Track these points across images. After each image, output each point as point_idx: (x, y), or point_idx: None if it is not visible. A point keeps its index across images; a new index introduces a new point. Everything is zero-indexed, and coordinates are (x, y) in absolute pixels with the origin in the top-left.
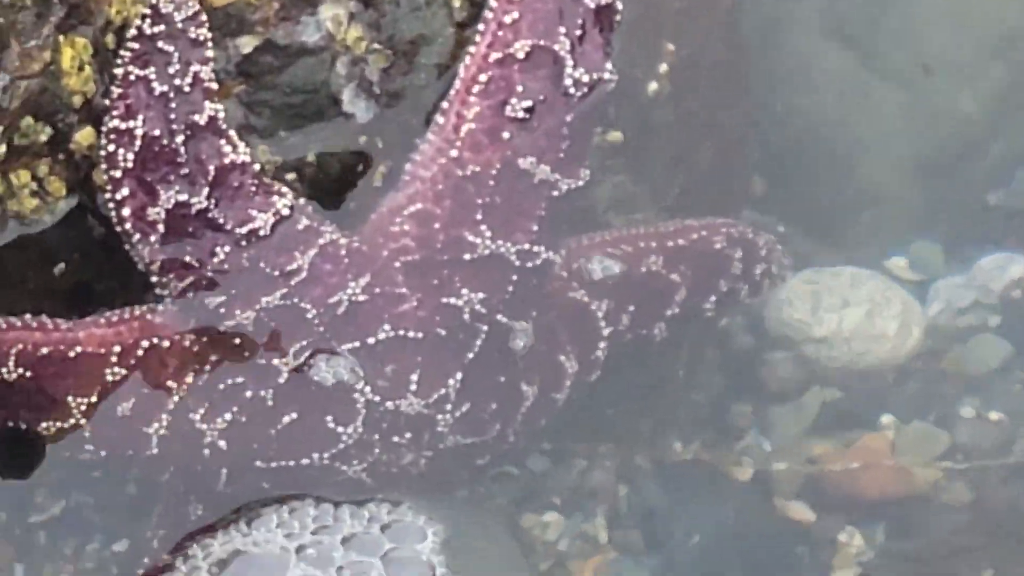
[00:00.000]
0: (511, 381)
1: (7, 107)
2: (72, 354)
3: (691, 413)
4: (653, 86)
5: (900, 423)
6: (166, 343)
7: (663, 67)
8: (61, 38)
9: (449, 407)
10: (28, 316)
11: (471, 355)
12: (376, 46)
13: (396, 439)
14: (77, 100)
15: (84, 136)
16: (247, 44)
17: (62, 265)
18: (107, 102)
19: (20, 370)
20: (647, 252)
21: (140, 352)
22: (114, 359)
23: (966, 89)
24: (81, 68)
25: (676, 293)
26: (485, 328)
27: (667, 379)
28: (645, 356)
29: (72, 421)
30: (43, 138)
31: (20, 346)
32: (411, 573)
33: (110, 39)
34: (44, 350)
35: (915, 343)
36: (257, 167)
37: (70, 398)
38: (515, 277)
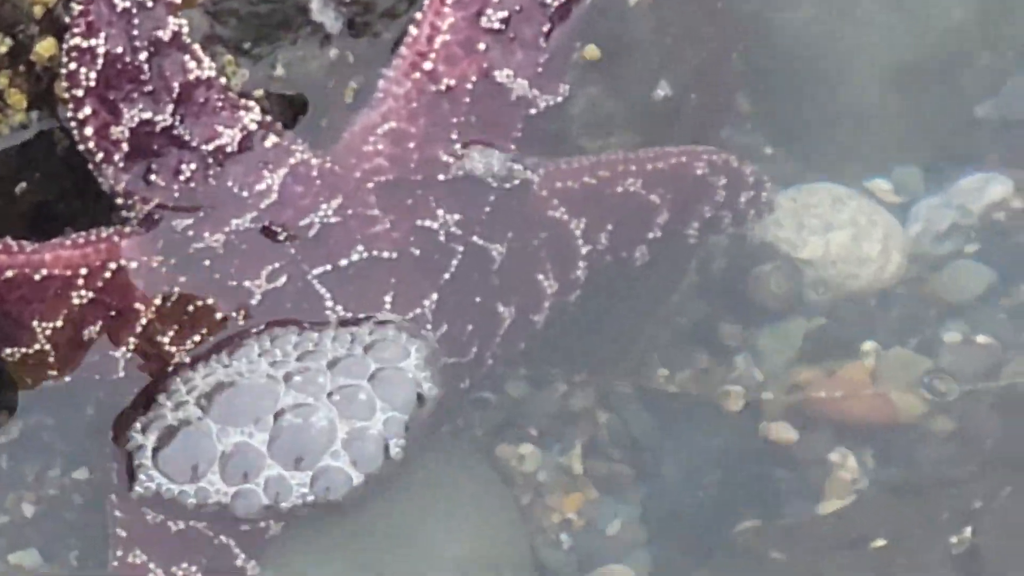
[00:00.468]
0: (488, 302)
1: None
2: (37, 277)
3: (676, 337)
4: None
5: (881, 349)
6: (134, 264)
7: None
8: None
9: (428, 327)
10: None
11: (447, 276)
12: None
13: None
14: (38, 10)
15: (45, 47)
16: None
17: (23, 184)
18: (68, 19)
19: None
20: (625, 175)
21: (107, 274)
22: (80, 282)
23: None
24: None
25: (657, 215)
26: (461, 249)
27: (650, 304)
28: (627, 280)
29: (37, 347)
30: (2, 49)
31: None
32: (399, 392)
33: None
34: (8, 273)
35: (897, 267)
36: (223, 81)
37: (35, 323)
38: (492, 198)
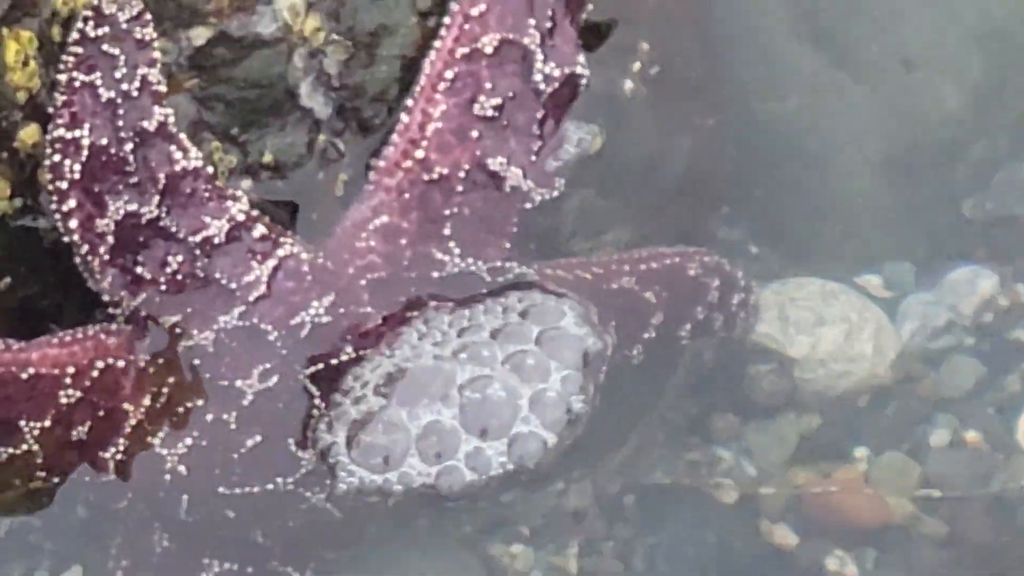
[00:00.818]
0: None
1: None
2: (24, 376)
3: (668, 432)
4: (628, 85)
5: (873, 455)
6: (121, 363)
7: (636, 66)
8: (5, 31)
9: None
10: None
11: None
12: (335, 37)
13: None
14: (21, 96)
15: (28, 134)
16: (200, 36)
17: (7, 279)
18: (51, 109)
19: None
20: (619, 274)
21: (95, 373)
22: (68, 380)
23: (947, 86)
24: (26, 63)
25: (652, 315)
26: None
27: (642, 402)
28: (620, 380)
29: (25, 447)
30: None
31: None
32: (566, 350)
33: (56, 31)
34: None
35: (890, 365)
36: (211, 170)
37: (22, 422)
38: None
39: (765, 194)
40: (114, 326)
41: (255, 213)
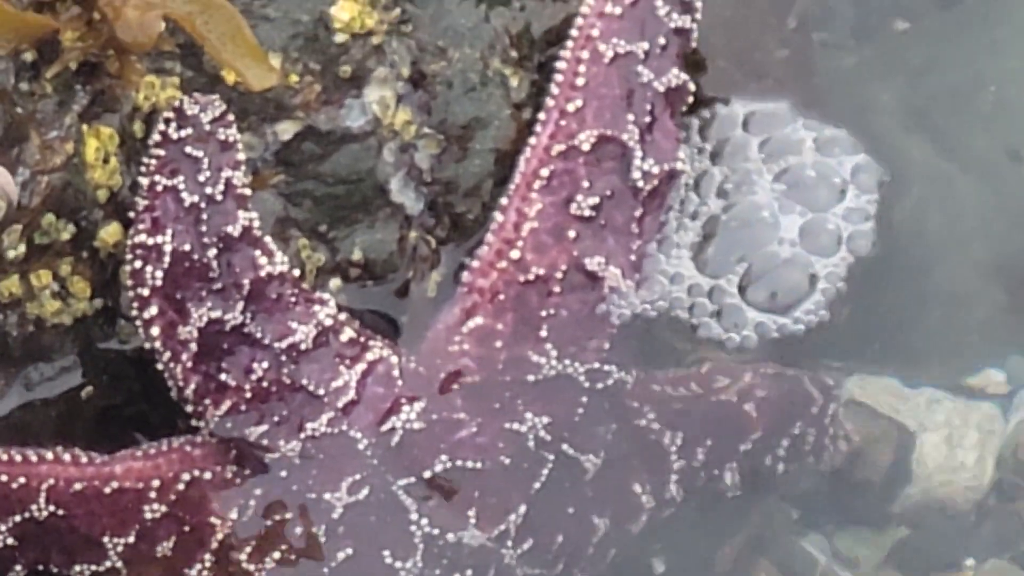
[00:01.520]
0: (582, 513)
1: (28, 204)
2: (108, 490)
3: (763, 547)
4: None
5: (977, 563)
6: (208, 475)
7: None
8: (85, 128)
9: (511, 542)
10: (59, 449)
11: (537, 485)
12: (427, 130)
13: (457, 575)
14: (102, 194)
15: (110, 233)
16: (287, 130)
17: (89, 388)
18: (132, 213)
19: (51, 507)
20: (720, 387)
21: (180, 486)
22: (153, 495)
23: None
24: (106, 160)
25: (751, 429)
26: (551, 457)
27: (733, 526)
28: (715, 506)
29: (108, 564)
30: (66, 236)
31: (51, 481)
32: None
33: (138, 127)
34: (77, 486)
35: (992, 472)
36: (296, 273)
37: (106, 538)
38: (584, 399)
39: (869, 296)
40: (199, 437)
41: (343, 316)
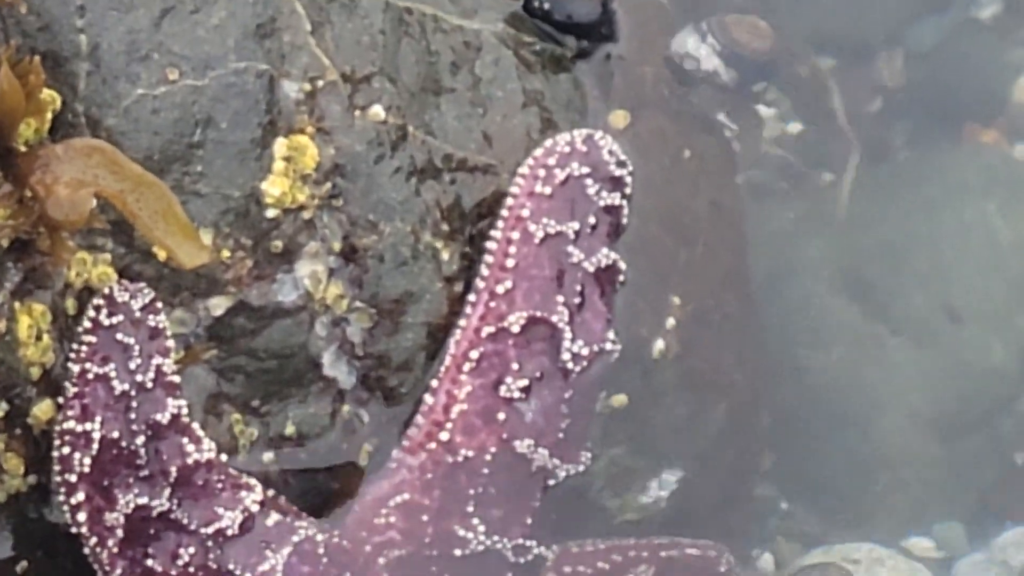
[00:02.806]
0: None
1: None
2: None
3: None
4: (659, 345)
5: None
6: None
7: (670, 322)
8: (17, 305)
9: None
10: None
11: None
12: (358, 304)
13: None
14: (35, 372)
15: (43, 410)
16: (219, 306)
17: (24, 563)
18: (61, 400)
19: None
20: (638, 560)
21: None
22: None
23: (994, 340)
24: (39, 337)
25: None
26: None
27: None
28: None
29: None
30: None
31: None
32: None
33: (70, 304)
34: None
35: None
36: (224, 458)
37: None
38: (509, 574)
39: (802, 455)
40: None
41: (270, 495)
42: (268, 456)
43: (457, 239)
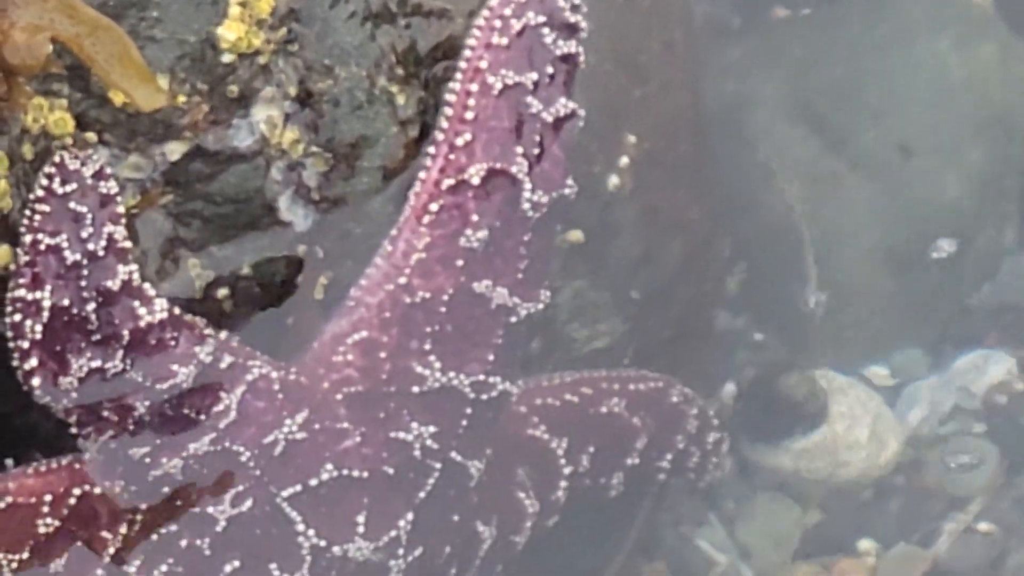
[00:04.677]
0: (467, 521)
1: None
2: (2, 505)
3: (659, 541)
4: (614, 181)
5: (881, 548)
6: (97, 490)
7: (624, 160)
8: None
9: (401, 551)
10: None
11: (422, 494)
12: (314, 149)
13: None
14: None
15: (2, 254)
16: (175, 151)
17: None
18: (12, 266)
19: None
20: (609, 393)
21: (72, 500)
22: (46, 509)
23: (948, 174)
24: None
25: (637, 439)
26: (438, 465)
27: (618, 535)
28: (601, 505)
29: None
30: None
31: None
32: None
33: (28, 149)
34: None
35: (894, 454)
36: (177, 312)
37: (0, 555)
38: (469, 410)
39: (765, 286)
40: (86, 455)
41: (223, 338)
42: (223, 292)
43: (412, 83)
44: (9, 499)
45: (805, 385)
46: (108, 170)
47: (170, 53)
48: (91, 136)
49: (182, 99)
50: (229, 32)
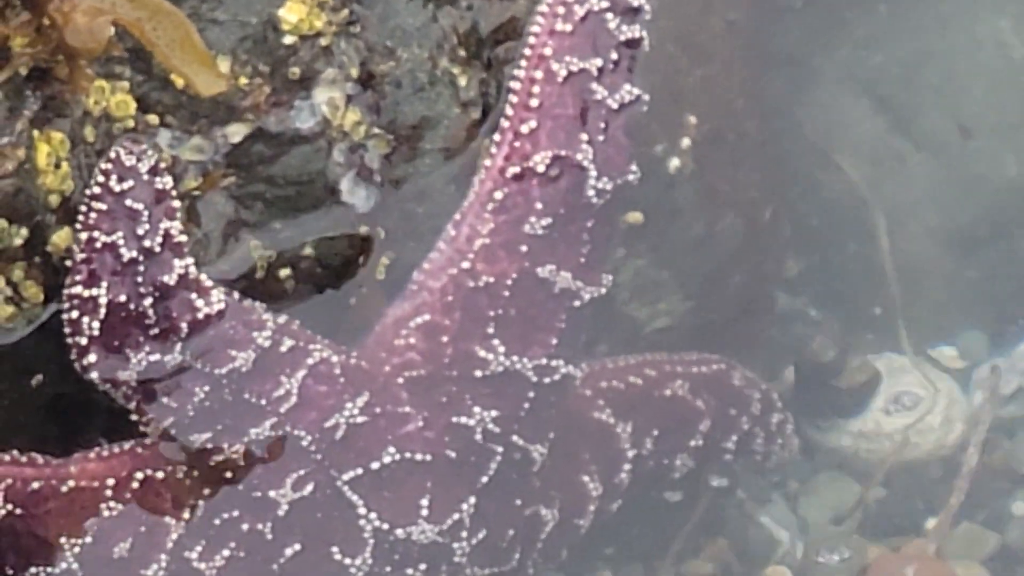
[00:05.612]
0: (530, 505)
1: None
2: (65, 488)
3: (721, 522)
4: (675, 163)
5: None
6: (160, 474)
7: (685, 142)
8: (36, 133)
9: (464, 534)
10: (15, 452)
11: (485, 478)
12: (376, 130)
13: (410, 571)
14: (54, 199)
15: (62, 237)
16: (236, 133)
17: (39, 377)
18: (69, 263)
19: (9, 507)
20: (672, 376)
21: (135, 484)
22: (109, 492)
23: (1008, 153)
24: (58, 165)
25: (700, 422)
26: (500, 449)
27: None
28: (667, 484)
29: (64, 566)
30: (18, 241)
31: (9, 481)
32: None
33: (89, 131)
34: (35, 484)
35: (959, 436)
36: (236, 297)
37: (63, 539)
38: (532, 394)
39: (826, 267)
40: (147, 440)
41: (283, 322)
42: (285, 272)
43: (474, 65)
44: (71, 483)
45: (865, 369)
46: (163, 164)
47: (232, 35)
48: (153, 118)
49: (244, 81)
50: (291, 14)
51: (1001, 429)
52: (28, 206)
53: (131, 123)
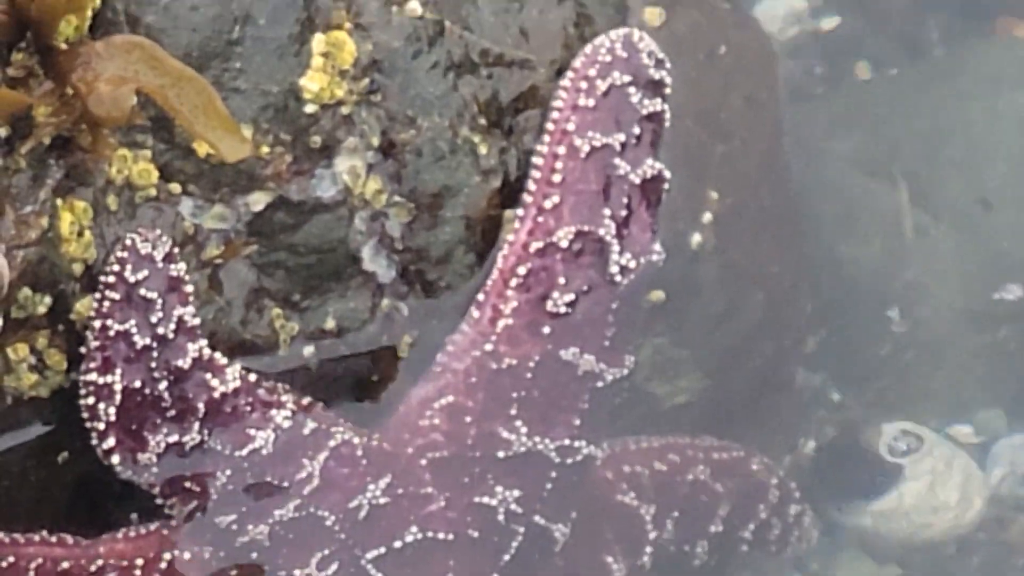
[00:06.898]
0: None
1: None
2: (93, 568)
3: None
4: (696, 238)
5: None
6: (187, 555)
7: (707, 217)
8: (59, 202)
9: None
10: (45, 532)
11: (507, 557)
12: (397, 199)
13: None
14: (78, 268)
15: (85, 305)
16: (258, 201)
17: (65, 454)
18: (83, 349)
19: None
20: (694, 461)
21: (163, 565)
22: (138, 572)
23: None
24: (81, 233)
25: (719, 506)
26: (521, 530)
27: None
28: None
29: None
30: (42, 309)
31: (40, 560)
32: None
33: (112, 200)
34: (64, 564)
35: (977, 513)
36: (252, 379)
37: None
38: (554, 474)
39: (843, 342)
40: (173, 522)
41: (305, 403)
42: (308, 350)
43: (494, 133)
44: (100, 562)
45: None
46: (176, 250)
47: (253, 104)
48: (175, 187)
49: (265, 150)
50: (312, 83)
51: (1019, 506)
52: (52, 274)
53: (153, 192)
